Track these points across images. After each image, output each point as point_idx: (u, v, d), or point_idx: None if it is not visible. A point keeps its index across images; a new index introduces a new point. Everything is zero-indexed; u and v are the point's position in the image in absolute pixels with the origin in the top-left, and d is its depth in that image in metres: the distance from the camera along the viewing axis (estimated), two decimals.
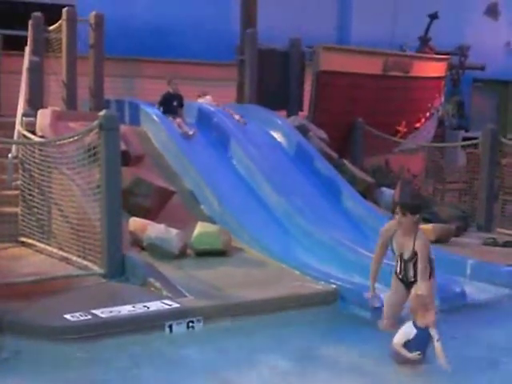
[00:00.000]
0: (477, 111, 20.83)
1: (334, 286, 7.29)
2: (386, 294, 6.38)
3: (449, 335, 5.84)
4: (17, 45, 11.85)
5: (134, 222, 8.53)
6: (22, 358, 5.66)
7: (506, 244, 9.67)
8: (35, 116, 10.10)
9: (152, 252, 8.20)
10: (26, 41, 11.24)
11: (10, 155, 9.50)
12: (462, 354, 5.76)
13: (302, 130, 11.69)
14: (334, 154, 11.62)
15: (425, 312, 5.48)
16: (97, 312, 6.24)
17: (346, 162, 11.63)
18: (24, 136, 9.38)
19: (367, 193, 11.13)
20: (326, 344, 6.15)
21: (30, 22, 11.18)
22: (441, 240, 9.44)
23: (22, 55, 11.19)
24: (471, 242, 9.91)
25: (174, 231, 8.29)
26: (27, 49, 11.16)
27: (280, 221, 9.46)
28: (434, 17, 17.54)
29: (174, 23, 16.57)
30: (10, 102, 11.32)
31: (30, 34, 11.19)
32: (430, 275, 6.06)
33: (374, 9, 19.06)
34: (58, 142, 8.48)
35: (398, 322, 6.26)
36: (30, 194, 8.88)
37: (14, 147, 9.57)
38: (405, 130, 14.59)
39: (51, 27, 11.25)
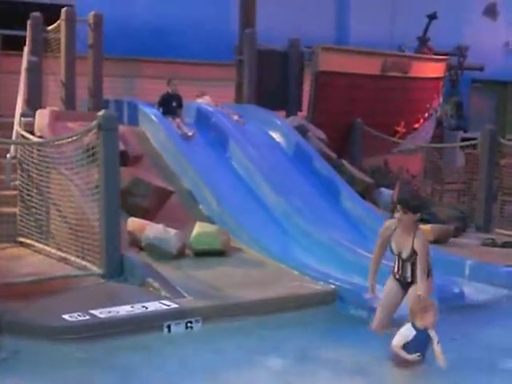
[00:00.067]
0: (475, 112, 20.83)
1: (333, 287, 7.29)
2: (382, 295, 6.34)
3: (448, 336, 5.84)
4: (15, 45, 11.84)
5: (133, 222, 8.53)
6: (20, 358, 5.65)
7: (504, 244, 9.68)
8: (34, 116, 10.09)
9: (150, 252, 8.19)
10: (25, 41, 11.24)
11: (8, 155, 9.49)
12: (460, 355, 5.76)
13: (301, 130, 11.69)
14: (333, 155, 11.62)
15: (424, 314, 5.47)
16: (95, 312, 6.24)
17: (344, 162, 11.63)
18: (22, 136, 9.38)
19: (366, 193, 11.13)
20: (324, 344, 6.15)
21: (29, 22, 11.18)
22: (439, 240, 9.45)
23: (21, 55, 11.18)
24: (470, 243, 9.91)
25: (172, 231, 8.28)
26: (26, 49, 11.16)
27: (279, 221, 9.46)
28: (432, 17, 17.54)
29: (173, 23, 16.57)
30: (8, 102, 11.31)
31: (28, 33, 11.18)
32: (428, 275, 6.06)
33: (373, 9, 19.07)
34: (56, 142, 8.48)
35: (391, 323, 6.27)
36: (28, 195, 8.87)
37: (12, 147, 9.56)
38: (403, 130, 14.59)
39: (50, 27, 11.25)
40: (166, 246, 8.18)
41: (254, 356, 5.80)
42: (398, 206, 5.99)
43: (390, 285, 6.26)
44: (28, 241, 8.80)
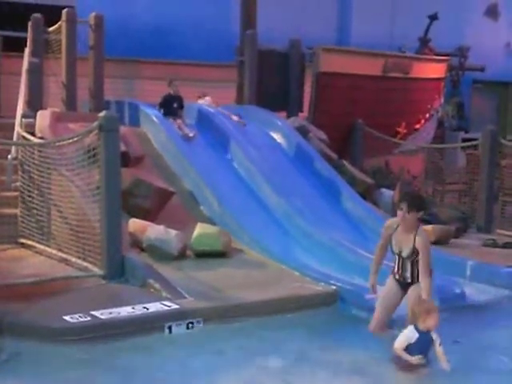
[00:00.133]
0: (476, 112, 20.82)
1: (334, 287, 7.29)
2: (380, 295, 6.32)
3: (449, 337, 5.83)
4: (16, 46, 11.84)
5: (134, 223, 8.53)
6: (21, 359, 5.65)
7: (505, 245, 9.67)
8: (35, 117, 10.09)
9: (151, 253, 8.20)
10: (26, 42, 11.24)
11: (9, 156, 9.49)
12: (462, 356, 5.76)
13: (302, 131, 11.69)
14: (334, 155, 11.62)
15: (426, 316, 5.45)
16: (96, 313, 6.24)
17: (345, 163, 11.63)
18: (23, 137, 9.37)
19: (367, 194, 11.13)
20: (325, 345, 6.14)
21: (30, 24, 11.18)
22: (440, 241, 9.44)
23: (22, 56, 11.18)
24: (471, 243, 9.91)
25: (173, 232, 8.28)
26: (27, 50, 11.15)
27: (280, 222, 9.46)
28: (433, 18, 17.54)
29: (174, 24, 16.58)
30: (9, 104, 11.31)
31: (29, 35, 11.18)
32: (429, 274, 6.05)
33: (374, 10, 19.07)
34: (57, 143, 8.48)
35: (389, 324, 6.27)
36: (29, 196, 8.87)
37: (13, 148, 9.56)
38: (404, 131, 14.59)
39: (51, 28, 11.25)
40: (167, 247, 8.18)
41: (255, 357, 5.79)
42: (403, 204, 5.97)
43: (390, 285, 6.25)
44: (29, 242, 8.80)
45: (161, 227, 8.34)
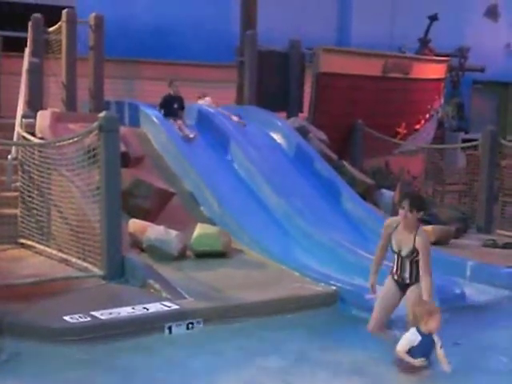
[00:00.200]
0: (476, 113, 20.83)
1: (334, 288, 7.29)
2: (379, 295, 6.31)
3: (450, 337, 5.82)
4: (17, 46, 11.84)
5: (134, 224, 8.53)
6: (21, 359, 5.65)
7: (505, 246, 9.67)
8: (35, 117, 10.09)
9: (151, 253, 8.20)
10: (26, 42, 11.24)
11: (9, 156, 9.49)
12: (463, 357, 5.75)
13: (302, 131, 11.69)
14: (334, 156, 11.62)
15: (428, 318, 5.43)
16: (96, 314, 6.24)
17: (345, 163, 11.63)
18: (23, 137, 9.37)
19: (367, 194, 11.12)
20: (325, 346, 6.14)
21: (30, 24, 11.17)
22: (440, 241, 9.44)
23: (22, 56, 11.17)
24: (471, 244, 9.91)
25: (173, 233, 8.28)
26: (27, 50, 11.15)
27: (280, 222, 9.46)
28: (433, 18, 17.54)
29: (174, 24, 16.57)
30: (9, 104, 11.31)
31: (29, 35, 11.18)
32: None
33: (374, 10, 19.07)
34: (57, 144, 8.48)
35: (388, 324, 6.26)
36: (29, 196, 8.87)
37: (13, 148, 9.56)
38: (404, 131, 14.59)
39: (51, 28, 11.24)
40: (167, 248, 8.18)
41: (255, 357, 5.79)
42: (405, 203, 5.97)
43: (388, 285, 6.23)
44: (29, 242, 8.80)
45: (161, 228, 8.34)
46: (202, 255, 8.37)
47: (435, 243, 8.96)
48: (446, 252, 8.80)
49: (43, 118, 10.05)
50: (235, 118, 11.54)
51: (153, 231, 8.30)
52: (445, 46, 17.64)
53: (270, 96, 12.68)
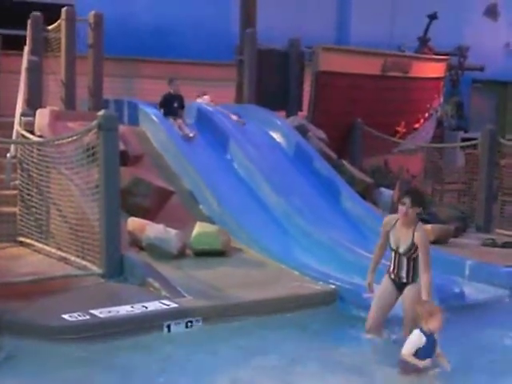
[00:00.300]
0: (476, 112, 20.82)
1: (333, 287, 7.30)
2: (376, 294, 6.29)
3: (449, 337, 5.82)
4: (16, 44, 11.83)
5: (133, 222, 8.53)
6: (20, 357, 5.65)
7: (504, 245, 9.68)
8: (34, 116, 10.07)
9: (151, 252, 8.19)
10: (25, 40, 11.23)
11: (8, 155, 9.49)
12: (461, 355, 5.76)
13: (301, 130, 11.68)
14: (333, 155, 11.62)
15: (429, 318, 5.41)
16: (95, 312, 6.24)
17: (345, 162, 11.63)
18: (23, 136, 9.38)
19: (366, 193, 11.12)
20: (324, 344, 6.15)
21: (29, 22, 11.16)
22: (439, 240, 9.44)
23: (21, 55, 11.17)
24: (470, 243, 9.91)
25: (172, 231, 8.28)
26: (26, 48, 11.15)
27: (279, 221, 9.46)
28: (433, 17, 17.52)
29: (174, 23, 16.55)
30: (8, 102, 11.30)
31: (29, 33, 11.17)
32: None
33: (373, 9, 19.05)
34: (56, 142, 8.47)
35: (384, 324, 6.25)
36: (28, 194, 8.87)
37: (12, 147, 9.56)
38: (404, 130, 14.59)
39: (50, 27, 11.23)
40: (167, 246, 8.18)
41: (254, 356, 5.80)
42: (406, 199, 5.96)
43: (385, 284, 6.20)
44: (28, 240, 8.80)
45: (160, 226, 8.33)
46: (202, 254, 8.37)
47: (434, 242, 8.96)
48: (445, 251, 8.81)
49: (42, 117, 10.04)
50: (234, 117, 11.53)
51: (152, 230, 8.30)
52: (444, 45, 17.62)
53: (270, 95, 12.67)
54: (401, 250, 6.01)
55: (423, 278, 5.83)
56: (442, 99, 16.57)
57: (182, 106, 11.24)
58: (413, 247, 5.94)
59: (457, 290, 7.40)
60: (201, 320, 6.40)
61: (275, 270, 7.95)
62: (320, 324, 6.70)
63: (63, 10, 10.88)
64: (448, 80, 17.82)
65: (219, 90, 12.86)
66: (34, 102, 10.47)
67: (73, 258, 7.85)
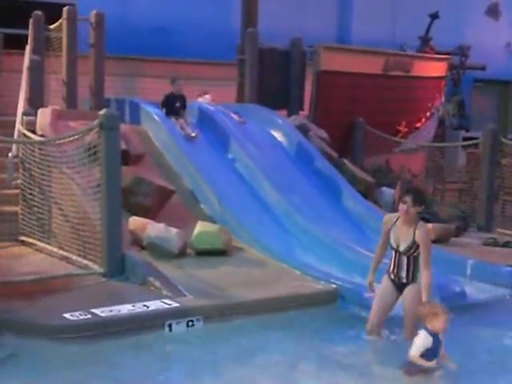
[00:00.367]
0: (477, 111, 20.81)
1: (334, 286, 7.30)
2: (377, 294, 6.26)
3: (450, 336, 5.81)
4: (17, 43, 11.84)
5: (134, 221, 8.53)
6: (21, 356, 5.66)
7: (506, 244, 9.68)
8: (35, 115, 10.09)
9: (152, 251, 8.20)
10: (27, 39, 11.23)
11: (10, 154, 9.49)
12: (462, 354, 5.75)
13: (303, 129, 11.68)
14: (335, 154, 11.62)
15: (433, 318, 5.40)
16: (96, 311, 6.24)
17: (346, 161, 11.63)
18: (24, 135, 9.38)
19: (367, 192, 11.12)
20: (325, 344, 6.14)
21: (31, 21, 11.16)
22: (440, 240, 9.43)
23: (23, 54, 11.17)
24: (471, 242, 9.91)
25: (173, 230, 8.28)
26: (28, 47, 11.15)
27: (280, 220, 9.46)
28: (434, 16, 17.51)
29: (175, 22, 16.55)
30: (10, 101, 11.30)
31: (30, 32, 11.17)
32: None
33: (375, 8, 19.05)
34: (58, 141, 8.48)
35: (385, 323, 6.25)
36: (30, 193, 8.88)
37: (14, 146, 9.56)
38: (405, 129, 14.58)
39: (52, 26, 11.24)
40: (168, 245, 8.18)
41: (255, 355, 5.80)
42: (407, 197, 5.96)
43: (385, 284, 6.18)
44: (30, 239, 8.81)
45: (161, 225, 8.34)
46: (203, 253, 8.37)
47: (435, 241, 8.91)
48: (446, 250, 8.81)
49: (44, 116, 10.05)
50: (234, 116, 11.53)
51: (153, 229, 8.31)
52: (446, 44, 17.61)
53: (271, 94, 12.67)
54: (401, 249, 6.01)
55: (423, 276, 5.83)
56: (443, 98, 16.56)
57: (183, 106, 11.22)
58: (413, 245, 5.94)
59: (458, 290, 7.39)
60: (202, 319, 6.40)
61: (276, 269, 7.95)
62: (321, 323, 6.70)
63: (65, 9, 10.89)
64: (449, 79, 17.81)
65: (220, 89, 12.86)
66: (36, 101, 10.48)
67: (74, 257, 7.86)
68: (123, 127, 8.75)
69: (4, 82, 12.13)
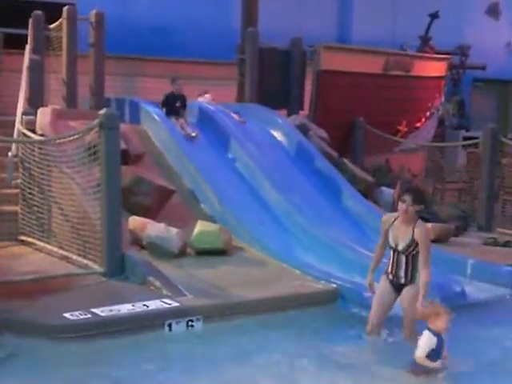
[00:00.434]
0: (477, 111, 20.81)
1: (335, 286, 7.30)
2: (376, 294, 6.25)
3: (450, 336, 5.81)
4: (17, 43, 11.82)
5: (134, 221, 8.53)
6: (21, 356, 5.66)
7: (506, 244, 9.67)
8: (35, 114, 10.08)
9: (152, 251, 8.19)
10: (27, 39, 11.22)
11: (10, 154, 9.48)
12: (463, 353, 5.75)
13: (303, 129, 11.68)
14: (335, 153, 11.61)
15: (435, 318, 5.40)
16: (96, 311, 6.24)
17: (346, 161, 11.62)
18: (24, 134, 9.38)
19: (367, 192, 11.12)
20: (325, 343, 6.14)
21: (31, 21, 11.15)
22: (440, 239, 9.42)
23: (23, 53, 11.16)
24: (471, 242, 9.91)
25: (173, 230, 8.28)
26: (28, 47, 11.14)
27: (280, 220, 9.45)
28: (434, 16, 17.52)
29: (175, 21, 16.55)
30: (10, 101, 11.29)
31: (30, 32, 11.16)
32: None
33: (375, 8, 19.05)
34: (58, 141, 8.48)
35: (385, 323, 6.25)
36: (29, 193, 8.88)
37: (14, 146, 9.56)
38: (405, 129, 14.59)
39: (52, 25, 11.23)
40: (168, 245, 8.18)
41: (255, 355, 5.79)
42: (407, 197, 5.96)
43: (383, 285, 6.17)
44: (29, 239, 8.80)
45: (161, 225, 8.33)
46: (203, 253, 8.37)
47: (435, 241, 8.90)
48: (446, 250, 8.81)
49: (44, 115, 10.05)
50: (235, 116, 11.53)
51: (153, 228, 8.30)
52: (446, 44, 17.62)
53: (271, 93, 12.67)
54: (400, 248, 6.00)
55: (422, 274, 5.83)
56: (443, 98, 16.57)
57: (184, 106, 11.21)
58: (412, 244, 5.93)
59: (458, 289, 7.39)
60: (202, 319, 6.40)
61: (276, 268, 7.95)
62: (321, 323, 6.70)
63: (65, 8, 10.87)
64: (449, 79, 17.82)
65: (220, 88, 12.85)
66: (36, 100, 10.47)
67: (74, 257, 7.85)
68: (123, 127, 8.76)
69: (4, 81, 12.13)
